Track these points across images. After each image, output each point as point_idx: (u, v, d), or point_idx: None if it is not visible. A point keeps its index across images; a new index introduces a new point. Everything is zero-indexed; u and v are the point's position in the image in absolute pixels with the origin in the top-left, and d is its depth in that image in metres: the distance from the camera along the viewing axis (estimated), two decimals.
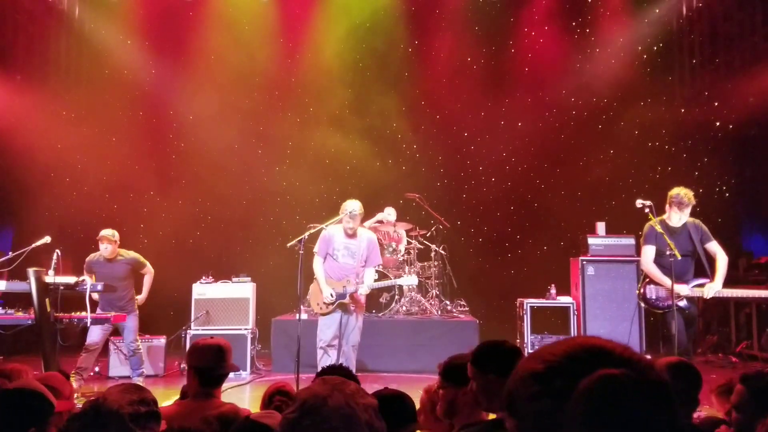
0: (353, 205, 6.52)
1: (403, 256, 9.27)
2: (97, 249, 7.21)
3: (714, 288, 6.15)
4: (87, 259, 7.25)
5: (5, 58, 9.66)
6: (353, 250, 6.62)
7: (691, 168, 10.33)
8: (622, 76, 10.72)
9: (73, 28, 11.14)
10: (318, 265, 6.66)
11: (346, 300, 6.53)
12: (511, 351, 2.79)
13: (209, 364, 3.22)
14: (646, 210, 6.29)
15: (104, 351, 7.69)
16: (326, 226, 6.76)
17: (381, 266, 8.93)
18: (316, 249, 6.73)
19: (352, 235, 6.62)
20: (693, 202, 6.23)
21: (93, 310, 6.64)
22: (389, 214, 9.44)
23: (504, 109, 11.16)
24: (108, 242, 7.14)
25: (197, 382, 3.23)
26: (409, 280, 7.37)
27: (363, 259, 6.65)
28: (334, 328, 6.53)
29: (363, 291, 6.56)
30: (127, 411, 2.11)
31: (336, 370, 3.15)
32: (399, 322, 8.66)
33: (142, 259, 7.47)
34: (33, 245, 6.77)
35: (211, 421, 2.91)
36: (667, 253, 6.06)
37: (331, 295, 6.48)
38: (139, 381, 6.86)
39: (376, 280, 6.92)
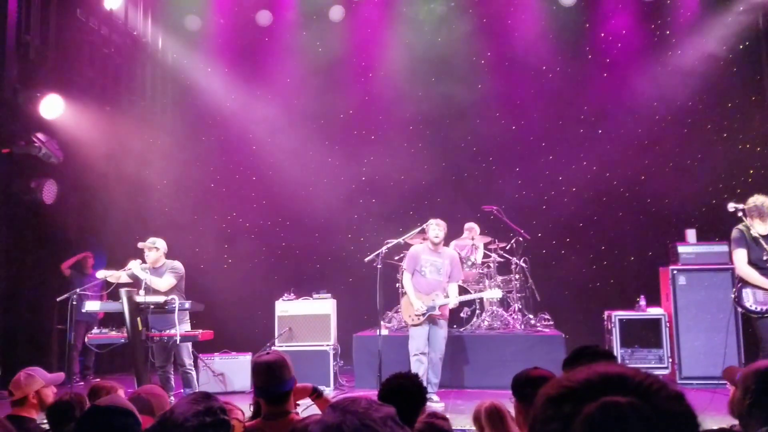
0: (437, 221, 7.36)
1: (482, 269, 9.13)
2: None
3: None
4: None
5: (96, 91, 10.20)
6: (438, 267, 7.34)
7: None
8: (707, 78, 10.27)
9: (157, 59, 11.69)
10: (407, 281, 7.42)
11: (436, 312, 7.18)
12: (540, 379, 2.92)
13: (261, 384, 3.16)
14: (740, 214, 6.04)
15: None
16: (403, 240, 7.64)
17: (462, 281, 8.87)
18: (404, 266, 7.64)
19: (436, 252, 7.36)
20: None
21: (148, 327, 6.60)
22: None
23: (583, 117, 10.89)
24: (148, 250, 7.05)
25: (262, 400, 3.20)
26: (492, 293, 7.75)
27: (447, 274, 7.35)
28: (425, 338, 7.20)
29: (452, 304, 7.36)
30: (192, 423, 2.15)
31: (399, 377, 3.29)
32: (480, 337, 8.49)
33: (177, 264, 7.15)
34: (124, 270, 6.99)
35: None
36: (764, 258, 5.78)
37: (422, 308, 7.13)
38: None
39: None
